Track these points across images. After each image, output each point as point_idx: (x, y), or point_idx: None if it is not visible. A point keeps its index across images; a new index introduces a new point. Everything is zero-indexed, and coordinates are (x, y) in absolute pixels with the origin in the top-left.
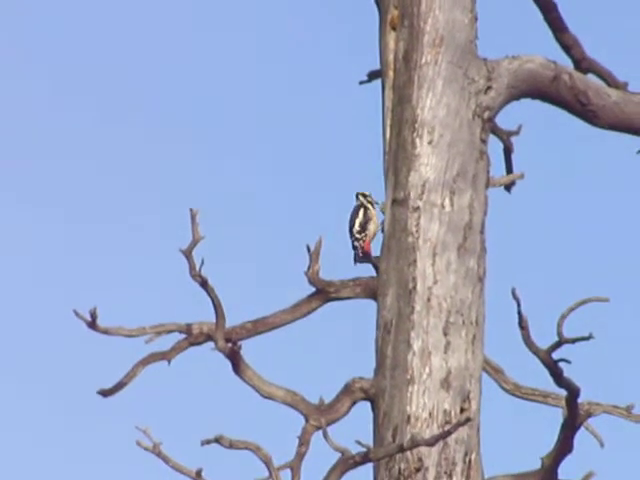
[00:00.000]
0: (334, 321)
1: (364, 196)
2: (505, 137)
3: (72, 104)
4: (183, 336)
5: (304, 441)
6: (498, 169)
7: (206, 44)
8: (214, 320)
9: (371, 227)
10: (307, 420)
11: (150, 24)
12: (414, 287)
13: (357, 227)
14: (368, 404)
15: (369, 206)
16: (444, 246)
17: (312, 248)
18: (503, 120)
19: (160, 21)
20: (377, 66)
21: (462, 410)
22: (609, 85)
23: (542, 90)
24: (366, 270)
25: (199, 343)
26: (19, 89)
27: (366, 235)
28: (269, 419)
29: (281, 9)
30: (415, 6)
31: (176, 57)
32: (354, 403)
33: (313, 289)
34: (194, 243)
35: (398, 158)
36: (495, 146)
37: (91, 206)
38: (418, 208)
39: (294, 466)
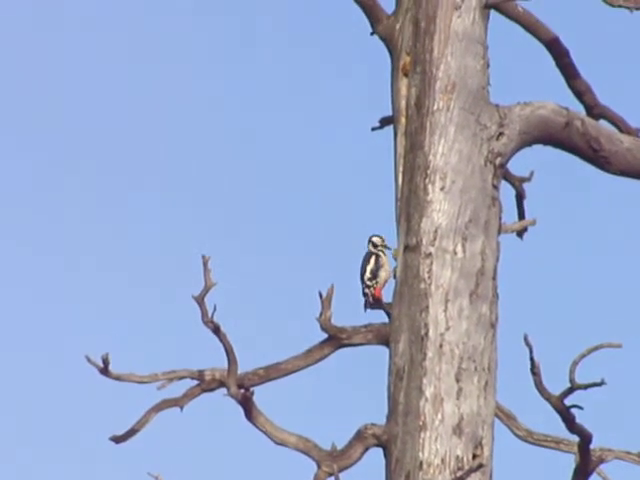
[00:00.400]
0: (346, 367)
1: (375, 246)
2: (517, 183)
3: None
4: (195, 382)
5: None
6: (510, 215)
7: (216, 91)
8: (226, 366)
9: (382, 274)
10: (319, 466)
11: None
12: (426, 333)
13: (368, 274)
14: (380, 450)
15: (381, 254)
16: (456, 292)
17: (324, 294)
18: (515, 166)
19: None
20: (389, 112)
21: (474, 456)
22: (621, 131)
23: (554, 136)
24: (378, 316)
25: (211, 389)
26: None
27: (377, 282)
28: (281, 465)
29: (292, 55)
30: (427, 52)
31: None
32: (366, 449)
33: (325, 335)
34: (206, 290)
35: (410, 204)
36: (507, 192)
37: (103, 251)
38: (430, 254)
39: None
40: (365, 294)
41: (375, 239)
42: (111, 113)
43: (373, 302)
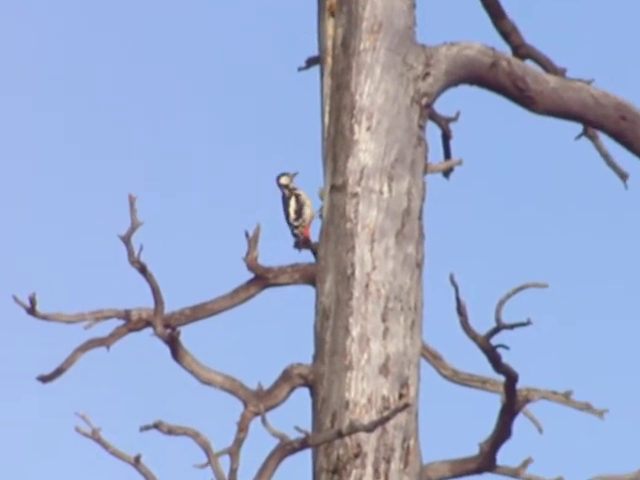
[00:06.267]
0: (273, 307)
1: (284, 186)
2: (443, 123)
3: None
4: (122, 322)
5: (243, 427)
6: (436, 155)
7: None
8: (153, 306)
9: (307, 211)
10: (246, 406)
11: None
12: (352, 273)
13: (293, 215)
14: (307, 390)
15: (299, 193)
16: (382, 232)
17: (250, 234)
18: (441, 106)
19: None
20: (316, 52)
21: (401, 396)
22: (547, 71)
23: (480, 76)
24: (305, 257)
25: (138, 329)
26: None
27: (304, 220)
28: (208, 405)
29: None
30: None
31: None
32: (293, 389)
33: (252, 275)
34: (133, 229)
35: (336, 144)
36: (433, 132)
37: (28, 191)
38: (356, 194)
39: (233, 452)
40: (295, 235)
41: (283, 179)
42: None
43: (303, 242)
